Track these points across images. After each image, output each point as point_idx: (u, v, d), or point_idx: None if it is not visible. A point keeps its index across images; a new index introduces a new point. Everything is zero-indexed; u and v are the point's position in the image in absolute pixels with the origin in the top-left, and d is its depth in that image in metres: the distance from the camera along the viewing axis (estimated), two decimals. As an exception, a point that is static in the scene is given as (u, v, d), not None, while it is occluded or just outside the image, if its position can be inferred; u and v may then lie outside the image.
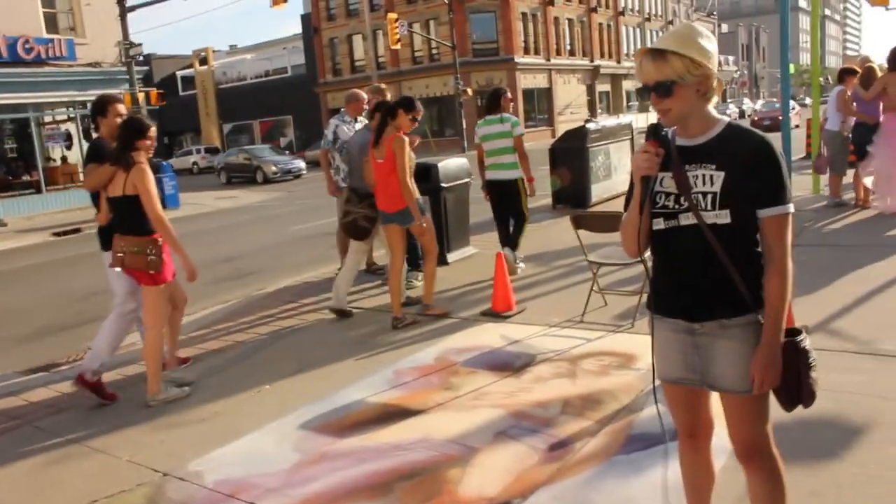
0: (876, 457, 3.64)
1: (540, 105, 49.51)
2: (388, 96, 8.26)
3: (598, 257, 6.60)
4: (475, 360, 5.61)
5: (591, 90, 55.01)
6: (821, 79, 11.10)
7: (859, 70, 10.30)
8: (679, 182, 2.46)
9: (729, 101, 65.97)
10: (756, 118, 38.63)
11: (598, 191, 12.82)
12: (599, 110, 53.93)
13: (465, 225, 9.78)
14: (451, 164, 9.42)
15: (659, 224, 2.53)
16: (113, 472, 4.26)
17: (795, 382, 2.46)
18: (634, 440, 4.08)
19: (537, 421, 4.45)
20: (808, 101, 48.66)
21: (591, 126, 13.36)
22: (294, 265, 8.72)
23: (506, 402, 4.77)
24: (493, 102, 8.61)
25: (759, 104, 52.91)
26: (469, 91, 40.92)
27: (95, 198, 5.66)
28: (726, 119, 2.52)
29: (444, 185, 9.08)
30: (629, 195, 2.63)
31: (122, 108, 5.82)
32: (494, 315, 6.72)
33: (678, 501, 3.38)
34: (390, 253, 6.88)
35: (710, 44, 2.43)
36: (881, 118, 9.79)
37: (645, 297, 6.07)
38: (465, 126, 40.07)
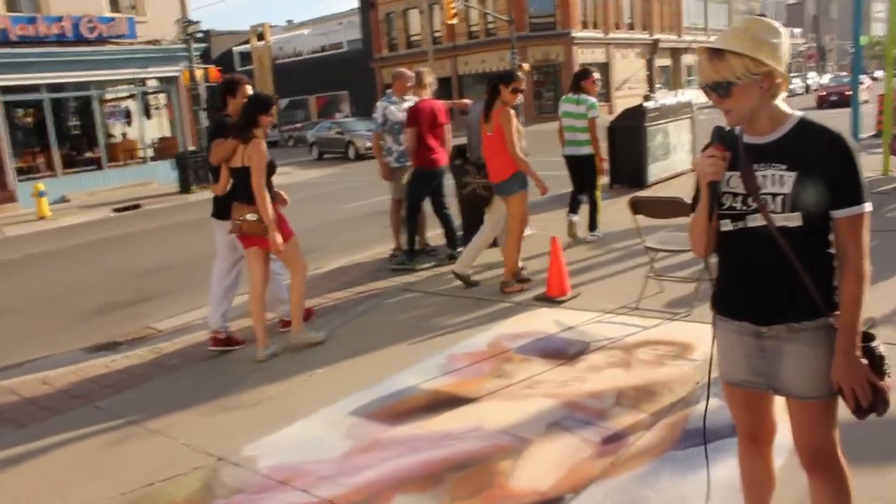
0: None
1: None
2: (430, 80, 8.32)
3: (654, 242, 6.47)
4: (528, 347, 5.56)
5: (649, 65, 53.90)
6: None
7: None
8: (747, 182, 2.36)
9: (794, 75, 64.15)
10: (822, 93, 37.43)
11: (656, 170, 12.56)
12: (658, 85, 52.89)
13: (522, 205, 9.65)
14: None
15: (726, 226, 2.43)
16: (169, 454, 4.34)
17: (871, 387, 2.34)
18: (690, 435, 3.99)
19: (591, 412, 4.39)
20: (878, 74, 46.98)
21: (649, 105, 13.08)
22: (348, 244, 8.74)
23: (559, 391, 4.72)
24: (575, 82, 9.16)
25: (826, 78, 51.27)
26: (525, 66, 40.46)
27: (216, 171, 6.07)
28: (798, 114, 2.40)
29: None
30: (696, 196, 2.53)
31: (249, 90, 6.22)
32: (548, 300, 6.65)
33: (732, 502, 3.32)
34: (510, 220, 7.17)
35: (776, 38, 2.30)
36: None
37: (703, 285, 6.01)
38: (521, 101, 39.67)
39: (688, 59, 58.89)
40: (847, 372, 2.32)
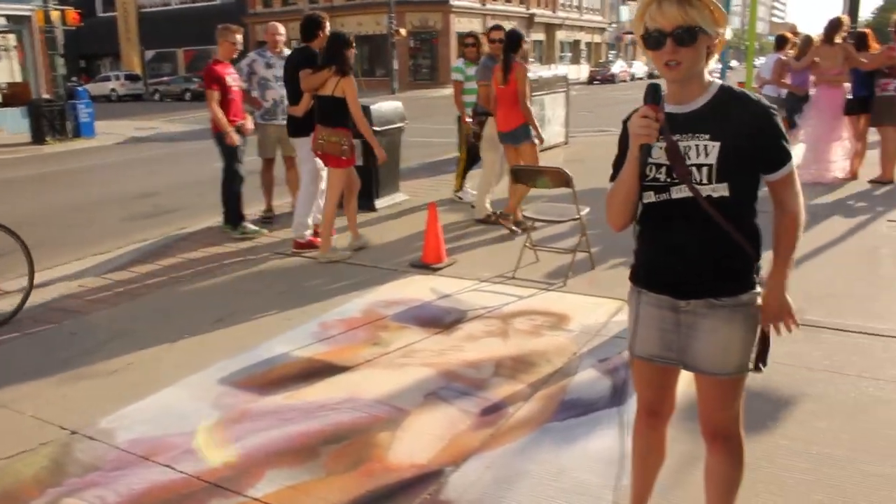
0: (804, 431, 3.65)
1: (474, 50, 48.88)
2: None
3: (532, 212, 6.47)
4: (404, 315, 5.45)
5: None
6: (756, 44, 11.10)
7: (790, 37, 10.38)
8: (671, 153, 2.27)
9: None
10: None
11: (531, 142, 12.63)
12: (532, 59, 53.61)
13: (396, 171, 9.56)
14: (385, 108, 9.15)
15: (649, 197, 2.36)
16: (15, 428, 3.96)
17: (764, 345, 2.44)
18: (568, 406, 3.99)
19: (469, 382, 4.32)
20: (733, 64, 49.30)
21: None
22: (216, 205, 8.34)
23: (436, 360, 4.63)
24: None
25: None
26: (402, 31, 40.10)
27: (295, 95, 7.10)
28: (719, 82, 2.35)
29: (376, 128, 8.79)
30: (617, 161, 2.43)
31: (328, 27, 7.27)
32: (424, 267, 6.56)
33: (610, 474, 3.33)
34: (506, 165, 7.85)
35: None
36: (811, 90, 9.92)
37: (579, 255, 6.06)
38: (396, 67, 39.35)
39: (561, 35, 59.98)
40: (779, 310, 2.37)
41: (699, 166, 2.25)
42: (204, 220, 8.94)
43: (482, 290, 5.95)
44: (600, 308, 5.41)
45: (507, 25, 8.11)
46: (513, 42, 7.51)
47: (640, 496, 2.83)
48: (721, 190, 2.25)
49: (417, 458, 3.52)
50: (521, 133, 7.51)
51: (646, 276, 2.50)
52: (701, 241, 2.31)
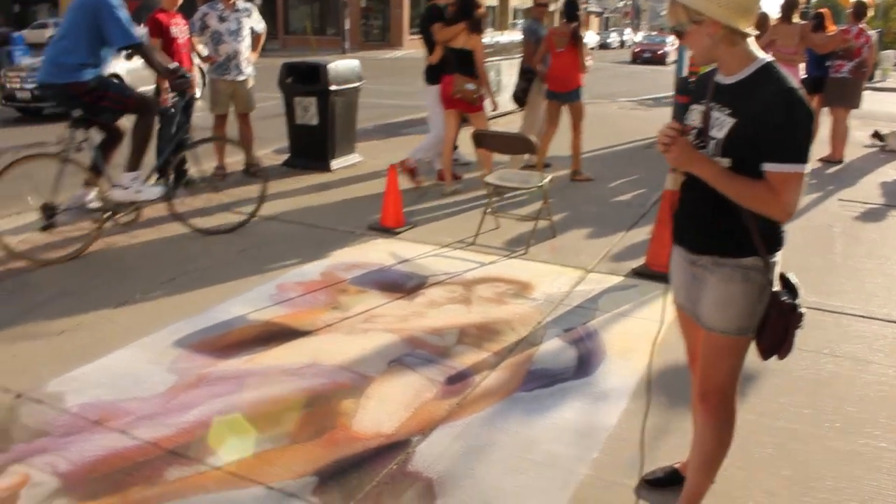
0: (769, 406, 3.68)
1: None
2: None
3: (495, 179, 6.37)
4: (364, 279, 5.32)
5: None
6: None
7: None
8: (704, 118, 2.41)
9: (611, 30, 66.46)
10: (637, 49, 39.06)
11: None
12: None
13: (352, 132, 9.36)
14: (342, 66, 8.93)
15: None
16: (-44, 389, 3.75)
17: (782, 336, 2.44)
18: (535, 376, 3.93)
19: (433, 349, 4.23)
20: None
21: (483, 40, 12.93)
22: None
23: (399, 326, 4.53)
24: None
25: (639, 35, 53.44)
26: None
27: (431, 45, 7.88)
28: (765, 60, 2.35)
29: (332, 87, 8.60)
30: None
31: None
32: (383, 230, 6.42)
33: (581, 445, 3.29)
34: (548, 125, 8.55)
35: None
36: None
37: (541, 223, 6.00)
38: (347, 27, 38.63)
39: (515, 2, 59.51)
40: (681, 147, 2.34)
41: (714, 138, 2.35)
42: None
43: (443, 255, 5.85)
44: (563, 276, 5.37)
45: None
46: (570, 8, 8.21)
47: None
48: (725, 164, 2.32)
49: (383, 427, 3.43)
50: (576, 93, 8.24)
51: (674, 230, 2.65)
52: (713, 204, 2.38)
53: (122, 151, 6.00)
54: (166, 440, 3.30)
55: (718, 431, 2.63)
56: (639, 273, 5.43)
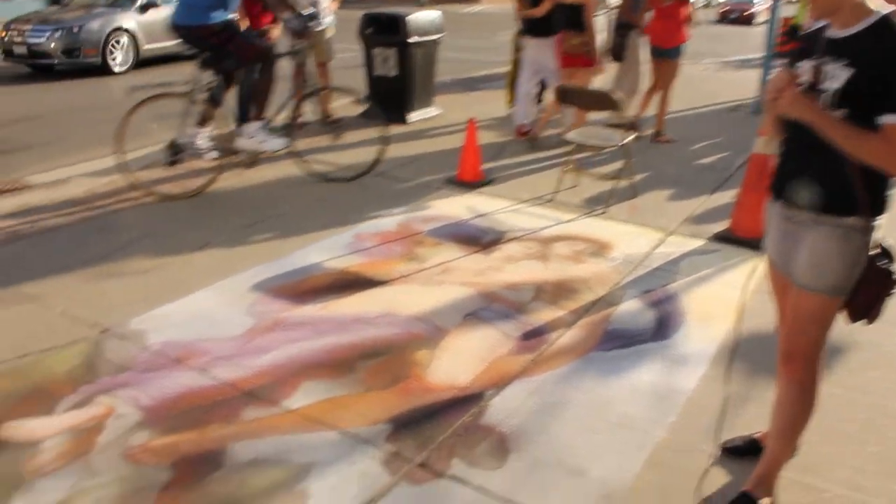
0: (856, 380, 3.52)
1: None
2: None
3: (576, 136, 6.24)
4: (441, 231, 5.29)
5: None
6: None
7: None
8: (814, 72, 2.31)
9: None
10: (724, 9, 37.65)
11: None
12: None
13: (431, 85, 9.28)
14: (422, 18, 8.83)
15: None
16: (46, 323, 3.86)
17: (873, 301, 2.40)
18: (612, 337, 3.85)
19: (509, 305, 4.18)
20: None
21: None
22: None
23: (475, 280, 4.49)
24: None
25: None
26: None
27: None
28: (884, 12, 2.25)
29: (412, 39, 8.52)
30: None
31: None
32: (460, 184, 6.37)
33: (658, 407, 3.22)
34: (661, 82, 8.21)
35: None
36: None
37: (621, 183, 5.87)
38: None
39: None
40: (794, 96, 2.28)
41: (826, 90, 2.26)
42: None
43: (521, 211, 5.77)
44: (642, 238, 5.24)
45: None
46: None
47: None
48: (839, 116, 2.22)
49: (458, 380, 3.41)
50: (678, 51, 8.07)
51: (773, 185, 2.57)
52: (818, 160, 2.33)
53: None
54: (243, 381, 3.35)
55: (801, 395, 2.54)
56: (722, 238, 5.26)
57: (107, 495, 2.66)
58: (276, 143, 6.24)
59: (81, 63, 12.77)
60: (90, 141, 7.57)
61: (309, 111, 7.87)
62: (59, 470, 2.80)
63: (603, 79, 8.46)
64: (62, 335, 3.72)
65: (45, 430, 3.02)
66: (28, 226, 5.31)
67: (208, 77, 5.91)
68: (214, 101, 5.95)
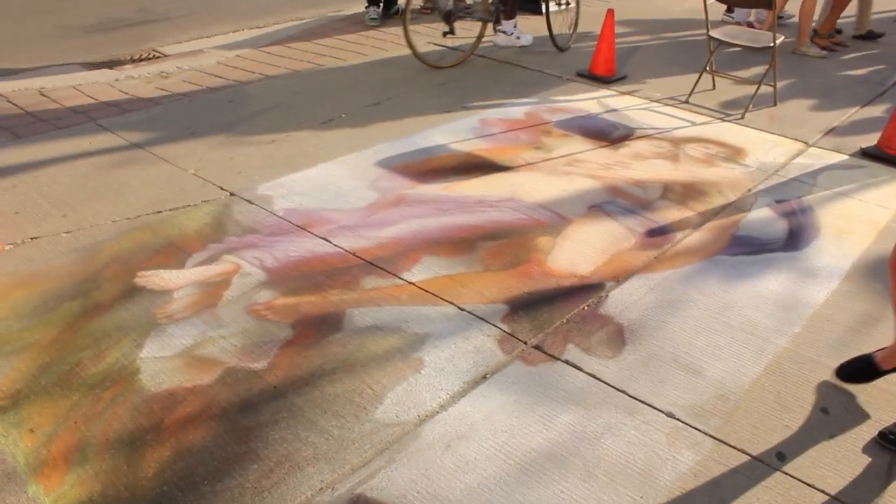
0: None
1: None
2: None
3: (720, 34, 5.88)
4: (569, 123, 5.15)
5: None
6: None
7: None
8: None
9: None
10: None
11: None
12: None
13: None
14: None
15: None
16: (178, 183, 4.01)
17: None
18: (740, 242, 3.70)
19: (635, 201, 4.06)
20: None
21: None
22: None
23: (601, 173, 4.37)
24: None
25: None
26: None
27: None
28: None
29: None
30: None
31: None
32: (592, 77, 6.15)
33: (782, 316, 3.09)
34: None
35: None
36: None
37: (763, 88, 5.52)
38: None
39: None
40: None
41: None
42: (360, 3, 8.63)
43: (653, 109, 5.54)
44: (780, 147, 4.95)
45: None
46: None
47: None
48: None
49: (578, 269, 3.36)
50: None
51: None
52: None
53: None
54: (364, 251, 3.40)
55: None
56: (868, 154, 4.91)
57: (231, 345, 2.78)
58: (527, 39, 6.97)
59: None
60: (228, 15, 7.67)
61: None
62: (188, 318, 2.93)
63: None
64: (193, 195, 3.86)
65: (177, 281, 3.16)
66: (163, 93, 5.46)
67: None
68: None
